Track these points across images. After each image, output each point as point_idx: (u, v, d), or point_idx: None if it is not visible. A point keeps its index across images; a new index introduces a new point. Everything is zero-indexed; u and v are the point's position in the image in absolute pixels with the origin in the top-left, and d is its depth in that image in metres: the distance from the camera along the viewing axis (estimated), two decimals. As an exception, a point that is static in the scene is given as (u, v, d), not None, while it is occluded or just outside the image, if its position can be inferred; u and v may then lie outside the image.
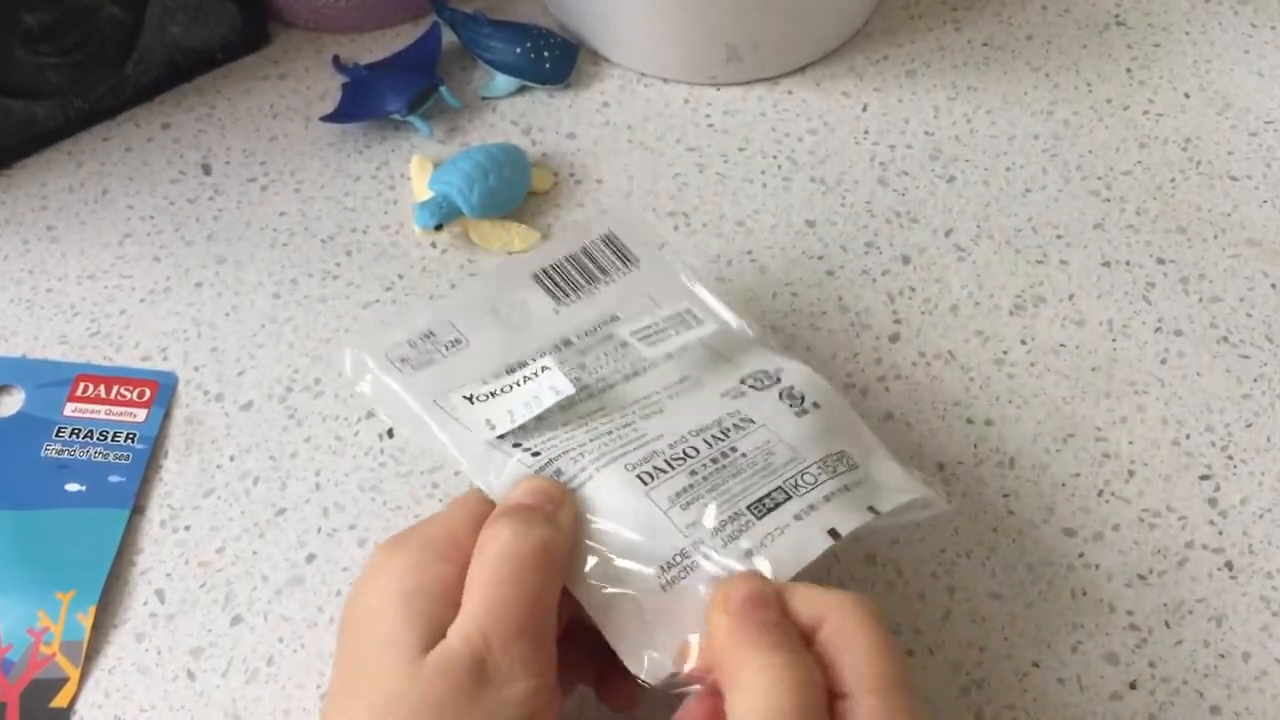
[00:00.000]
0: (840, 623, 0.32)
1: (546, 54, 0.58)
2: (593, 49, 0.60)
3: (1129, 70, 0.59)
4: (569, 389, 0.39)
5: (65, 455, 0.47)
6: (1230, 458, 0.46)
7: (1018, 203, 0.54)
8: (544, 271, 0.44)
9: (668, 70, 0.59)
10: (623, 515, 0.35)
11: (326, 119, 0.57)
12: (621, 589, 0.34)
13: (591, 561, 0.35)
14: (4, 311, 0.52)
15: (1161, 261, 0.52)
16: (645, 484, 0.36)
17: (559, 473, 0.37)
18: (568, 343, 0.42)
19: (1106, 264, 0.52)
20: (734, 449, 0.38)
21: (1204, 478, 0.46)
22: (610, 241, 0.46)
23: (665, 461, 0.37)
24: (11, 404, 0.49)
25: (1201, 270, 0.52)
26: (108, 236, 0.54)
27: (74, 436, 0.47)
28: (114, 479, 0.46)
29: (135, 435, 0.47)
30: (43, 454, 0.47)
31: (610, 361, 0.41)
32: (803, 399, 0.40)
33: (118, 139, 0.58)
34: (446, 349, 0.41)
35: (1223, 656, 0.42)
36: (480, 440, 0.38)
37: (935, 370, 0.49)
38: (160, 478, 0.47)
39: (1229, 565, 0.44)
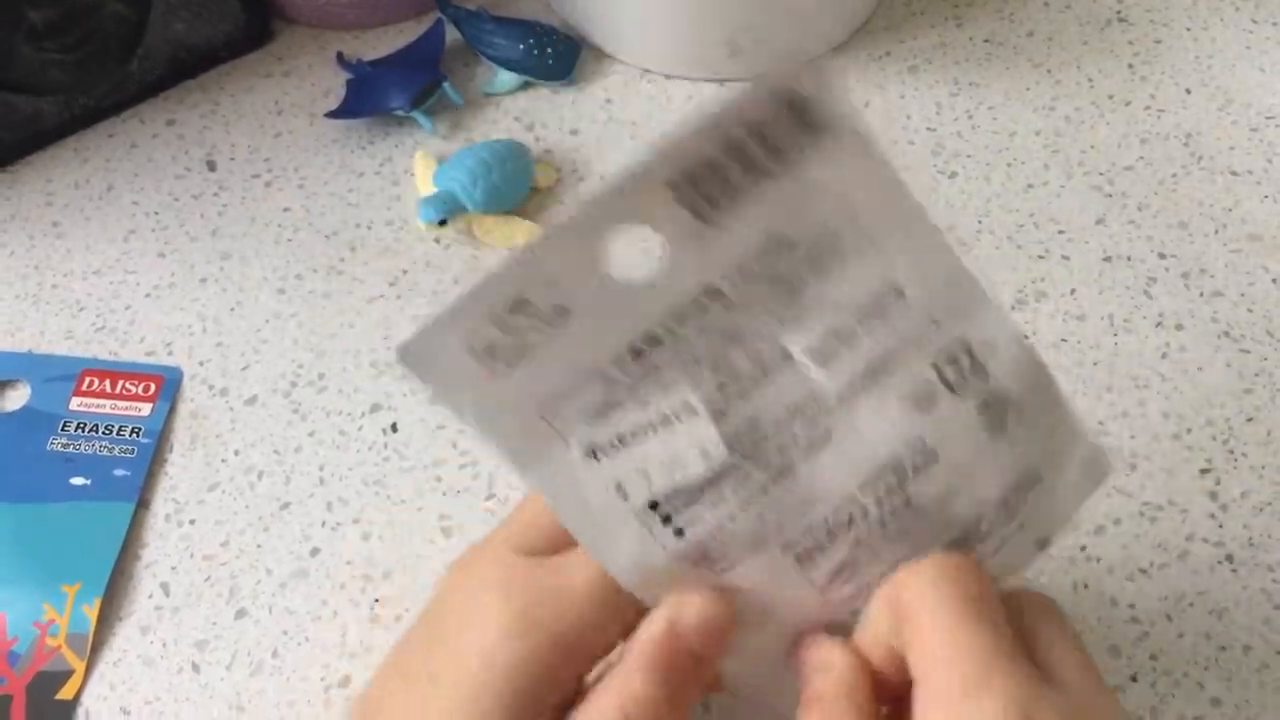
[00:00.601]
0: (904, 606, 0.29)
1: (549, 50, 0.58)
2: (595, 45, 0.60)
3: (1130, 66, 0.59)
4: (721, 454, 0.29)
5: (71, 449, 0.47)
6: (1231, 452, 0.47)
7: (1019, 198, 0.54)
8: (684, 176, 0.27)
9: (670, 66, 0.59)
10: (778, 600, 0.30)
11: (330, 115, 0.57)
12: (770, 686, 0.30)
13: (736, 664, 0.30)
14: (10, 307, 0.52)
15: (1163, 256, 0.52)
16: (801, 565, 0.30)
17: (705, 556, 0.30)
18: (714, 294, 0.28)
19: (1108, 259, 0.52)
20: (908, 504, 0.30)
21: (1205, 471, 0.46)
22: (794, 106, 0.27)
23: (827, 534, 0.30)
24: (17, 398, 0.49)
25: (1203, 265, 0.52)
26: (113, 232, 0.54)
27: (79, 431, 0.48)
28: (119, 473, 0.46)
29: (140, 430, 0.48)
30: (48, 448, 0.47)
31: (764, 334, 0.29)
32: (1004, 406, 0.30)
33: (122, 135, 0.58)
34: (549, 323, 0.28)
35: (1224, 649, 0.42)
36: (606, 511, 0.29)
37: (937, 365, 0.49)
38: (165, 472, 0.47)
39: (1230, 558, 0.44)
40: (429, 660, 0.30)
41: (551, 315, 0.27)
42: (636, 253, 0.28)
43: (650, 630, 0.29)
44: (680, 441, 0.29)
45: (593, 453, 0.29)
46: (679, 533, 0.29)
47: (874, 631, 0.30)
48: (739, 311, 0.29)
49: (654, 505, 0.29)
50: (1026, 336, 0.32)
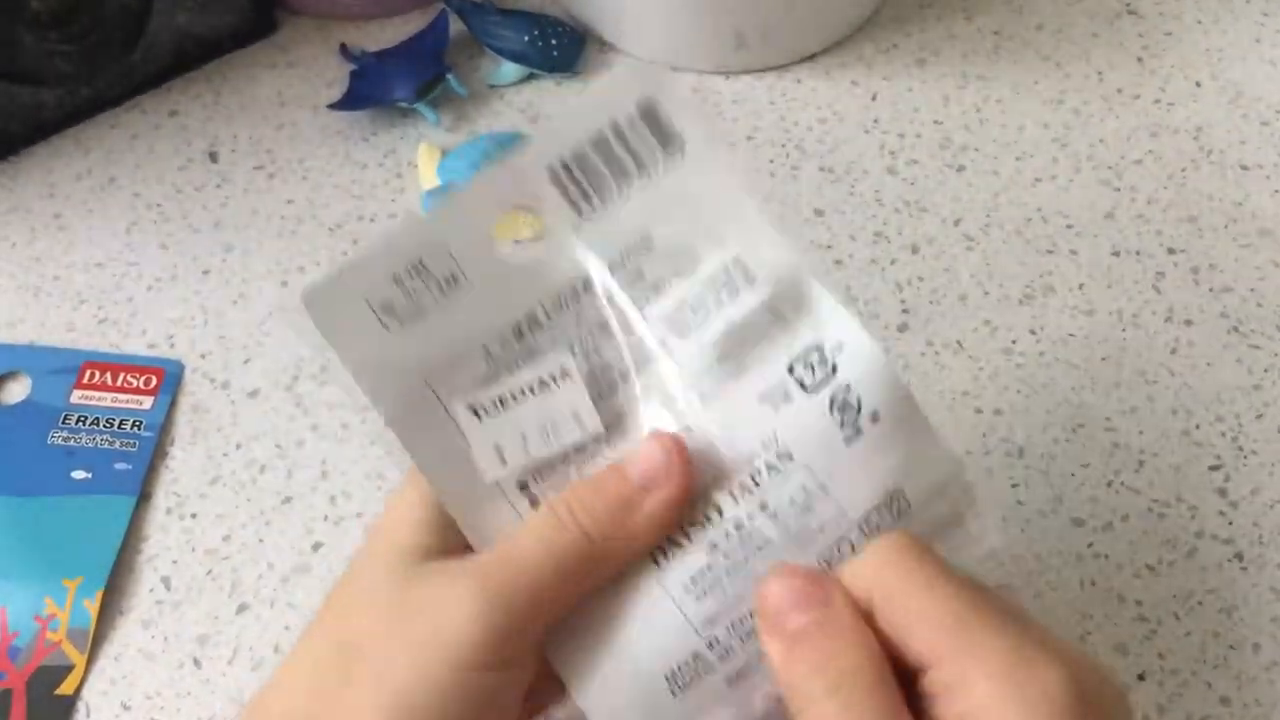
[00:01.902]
0: (888, 592, 0.28)
1: (554, 42, 0.58)
2: (600, 37, 0.60)
3: (1140, 59, 0.59)
4: (596, 426, 0.31)
5: (72, 442, 0.47)
6: (1240, 448, 0.46)
7: (1027, 192, 0.54)
8: (563, 166, 0.31)
9: (676, 58, 0.59)
10: (629, 605, 0.30)
11: (334, 107, 0.56)
12: (625, 697, 0.30)
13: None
14: (11, 299, 0.52)
15: (1172, 251, 0.52)
16: (658, 565, 0.30)
17: None
18: (587, 285, 0.32)
19: (1116, 253, 0.52)
20: (764, 506, 0.31)
21: (1214, 468, 0.46)
22: (649, 115, 0.32)
23: (683, 531, 0.30)
24: (18, 391, 0.49)
25: (1212, 260, 0.51)
26: (115, 224, 0.54)
27: (80, 424, 0.47)
28: (120, 466, 0.46)
29: (142, 423, 0.47)
30: (49, 441, 0.47)
31: (633, 328, 0.32)
32: (859, 408, 0.31)
33: (125, 127, 0.58)
34: (441, 289, 0.31)
35: (1232, 648, 0.42)
36: (483, 479, 0.31)
37: (944, 359, 0.49)
38: (167, 465, 0.47)
39: (1239, 556, 0.44)
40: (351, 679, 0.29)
41: (444, 283, 0.31)
42: (522, 234, 0.33)
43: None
44: (557, 405, 0.31)
45: (474, 411, 0.31)
46: (534, 503, 0.31)
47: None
48: (612, 304, 0.32)
49: (523, 486, 0.31)
50: (885, 350, 0.32)
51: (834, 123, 0.56)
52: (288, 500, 0.46)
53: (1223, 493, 0.45)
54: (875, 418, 0.31)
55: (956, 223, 0.53)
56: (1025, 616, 0.28)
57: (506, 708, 0.29)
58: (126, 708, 0.41)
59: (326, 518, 0.45)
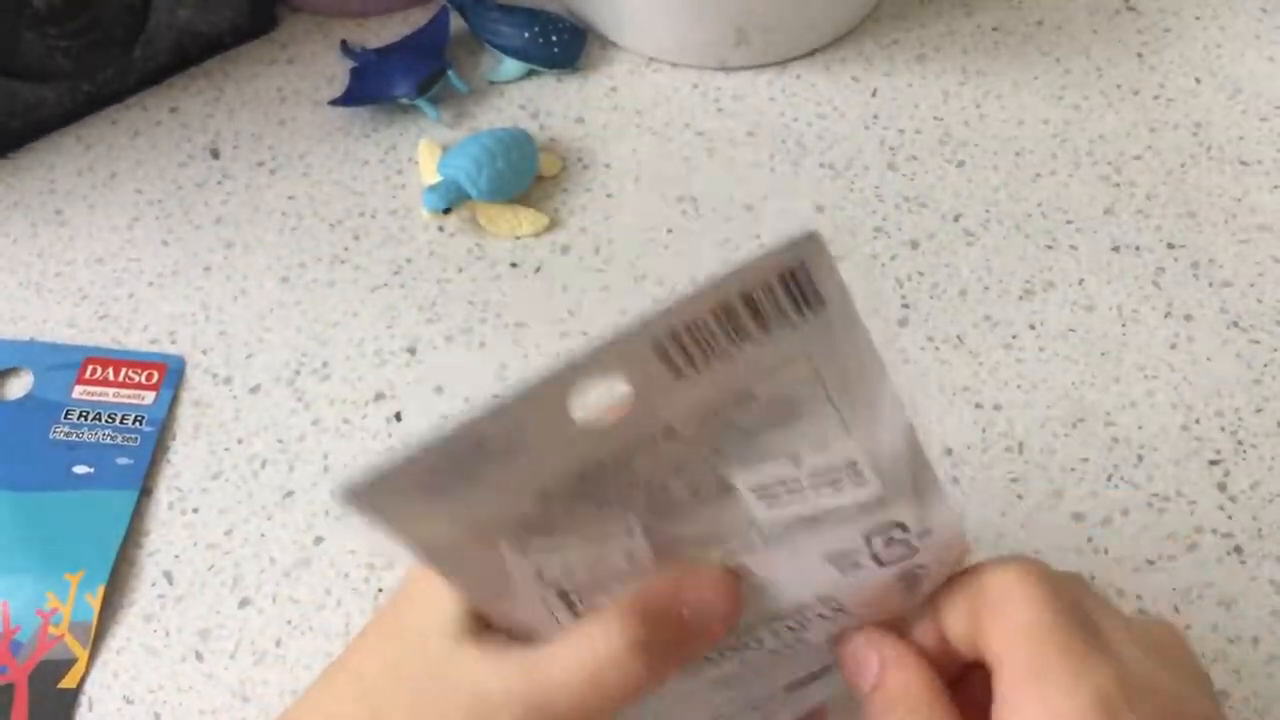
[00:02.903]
0: (987, 593, 0.29)
1: (554, 38, 0.58)
2: (601, 34, 0.60)
3: (1139, 55, 0.59)
4: (649, 564, 0.29)
5: (74, 438, 0.47)
6: (1240, 442, 0.46)
7: (1027, 187, 0.54)
8: (671, 337, 0.26)
9: (676, 55, 0.59)
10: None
11: (334, 103, 0.56)
12: None
13: None
14: (13, 295, 0.52)
15: (1171, 246, 0.52)
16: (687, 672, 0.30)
17: None
18: (669, 434, 0.28)
19: (1116, 249, 0.52)
20: (801, 640, 0.31)
21: (1213, 462, 0.46)
22: (791, 279, 0.27)
23: (719, 652, 0.30)
24: (20, 386, 0.49)
25: (1212, 255, 0.51)
26: (116, 220, 0.54)
27: (82, 419, 0.47)
28: (122, 461, 0.46)
29: (143, 418, 0.47)
30: (51, 436, 0.47)
31: (707, 471, 0.28)
32: (924, 580, 0.30)
33: (125, 123, 0.58)
34: (500, 457, 0.27)
35: (1232, 641, 0.42)
36: (518, 590, 0.29)
37: (944, 354, 0.49)
38: (168, 460, 0.47)
39: (1238, 550, 0.44)
40: None
41: (503, 453, 0.26)
42: (601, 401, 0.27)
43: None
44: (612, 551, 0.28)
45: (522, 551, 0.28)
46: (571, 607, 0.29)
47: (944, 620, 0.30)
48: (689, 447, 0.28)
49: (562, 594, 0.28)
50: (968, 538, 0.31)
51: (834, 118, 0.56)
52: (289, 495, 0.46)
53: (1222, 487, 0.45)
54: (926, 581, 0.30)
55: (956, 218, 0.53)
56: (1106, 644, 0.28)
57: None
58: (129, 701, 0.41)
59: (328, 512, 0.45)
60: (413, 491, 0.26)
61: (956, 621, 0.29)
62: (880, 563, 0.29)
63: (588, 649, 0.27)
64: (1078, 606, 0.28)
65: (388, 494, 0.26)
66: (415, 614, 0.29)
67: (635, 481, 0.28)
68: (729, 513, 0.29)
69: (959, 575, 0.30)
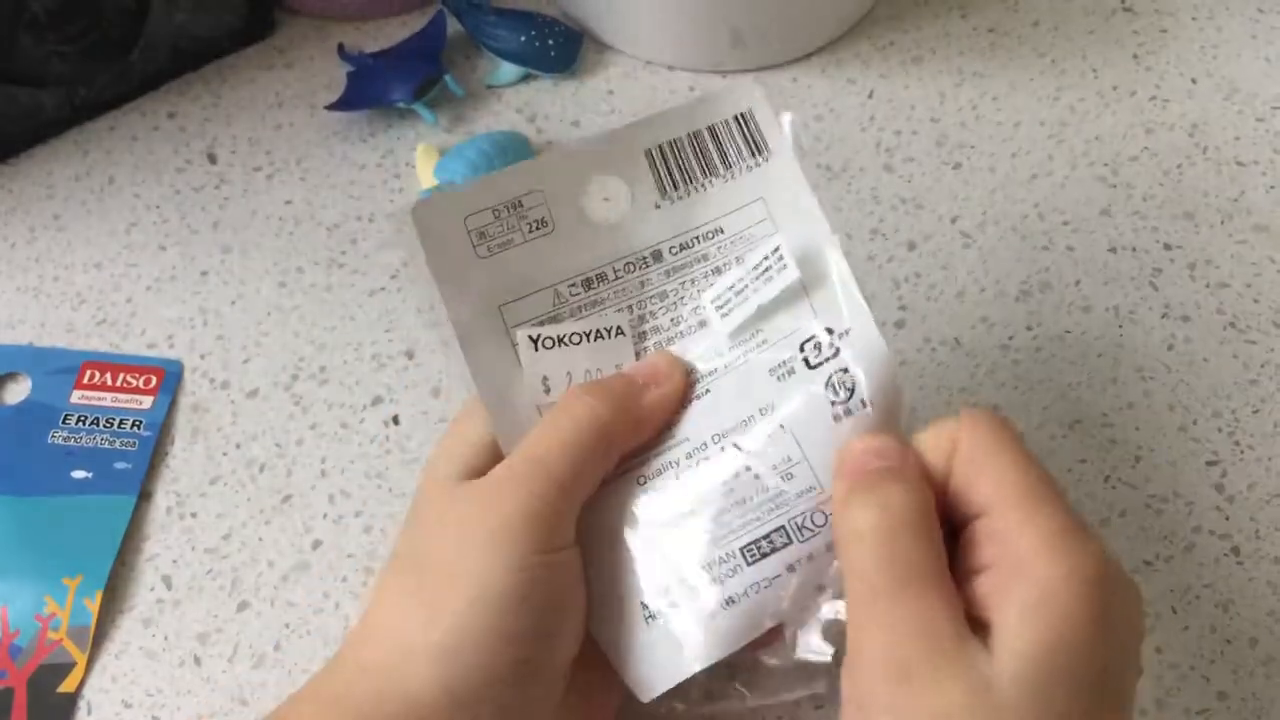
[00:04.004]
0: (969, 446, 0.31)
1: (551, 42, 0.58)
2: (597, 37, 0.60)
3: (1136, 56, 0.59)
4: None
5: (72, 442, 0.47)
6: (1237, 443, 0.46)
7: (1024, 189, 0.54)
8: (659, 150, 0.37)
9: (672, 58, 0.59)
10: (621, 544, 0.34)
11: (332, 107, 0.57)
12: (608, 618, 0.34)
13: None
14: (11, 299, 0.52)
15: (1168, 247, 0.52)
16: (648, 510, 0.34)
17: None
18: (657, 255, 0.37)
19: (1113, 250, 0.52)
20: (748, 468, 0.34)
21: (1211, 463, 0.46)
22: (744, 121, 0.37)
23: (678, 480, 0.35)
24: (19, 391, 0.49)
25: (1208, 256, 0.51)
26: (114, 225, 0.54)
27: (80, 424, 0.47)
28: (120, 466, 0.46)
29: (141, 422, 0.48)
30: (49, 441, 0.47)
31: (686, 301, 0.37)
32: (851, 392, 0.34)
33: (123, 128, 0.58)
34: (531, 229, 0.36)
35: (1229, 642, 0.42)
36: (527, 402, 0.35)
37: (941, 356, 0.49)
38: (166, 464, 0.47)
39: (1235, 551, 0.44)
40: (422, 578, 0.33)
41: (534, 225, 0.36)
42: (610, 199, 0.37)
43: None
44: (605, 356, 0.36)
45: (533, 341, 0.35)
46: None
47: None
48: (673, 277, 0.37)
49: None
50: (891, 351, 0.35)
51: (830, 120, 0.57)
52: (287, 499, 0.46)
53: (1219, 488, 0.45)
54: (864, 404, 0.34)
55: (953, 220, 0.53)
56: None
57: (574, 581, 0.33)
58: (128, 705, 0.42)
59: (326, 516, 0.45)
60: (463, 229, 0.35)
61: (937, 460, 0.32)
62: (809, 364, 0.35)
63: (560, 426, 0.34)
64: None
65: (445, 218, 0.35)
66: (431, 474, 0.35)
67: (627, 298, 0.36)
68: (702, 345, 0.36)
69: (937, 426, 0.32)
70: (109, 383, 0.49)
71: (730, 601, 0.33)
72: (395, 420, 0.48)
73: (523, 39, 0.57)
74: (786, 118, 0.37)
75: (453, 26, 0.59)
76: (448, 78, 0.57)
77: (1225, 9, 0.61)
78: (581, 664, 0.34)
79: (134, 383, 0.49)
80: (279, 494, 0.46)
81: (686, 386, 0.36)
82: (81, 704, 0.42)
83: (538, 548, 0.32)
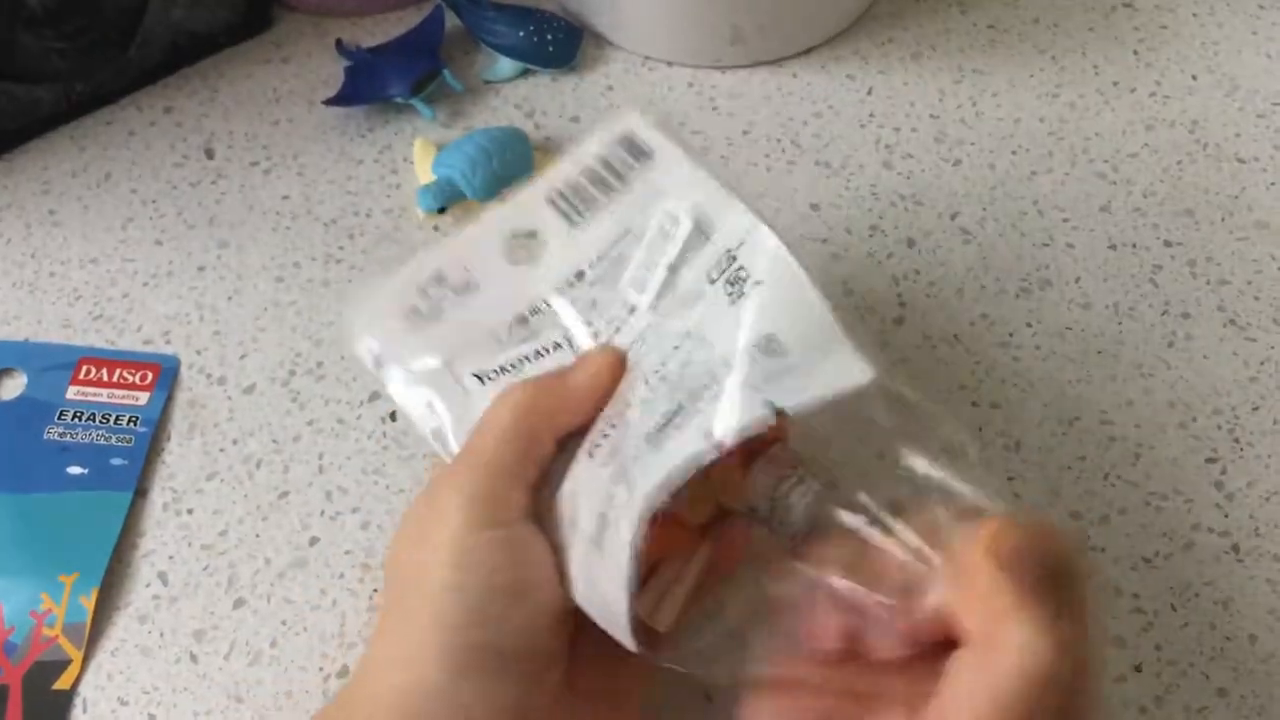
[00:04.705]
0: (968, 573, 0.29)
1: (550, 37, 0.57)
2: (596, 32, 0.60)
3: (1136, 53, 0.59)
4: None
5: (68, 438, 0.47)
6: (1237, 441, 0.46)
7: (1023, 185, 0.54)
8: (559, 195, 0.40)
9: (672, 53, 0.58)
10: (576, 506, 0.35)
11: (329, 103, 0.56)
12: (584, 577, 0.34)
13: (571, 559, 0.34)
14: (6, 295, 0.51)
15: (1168, 244, 0.52)
16: (591, 457, 0.35)
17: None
18: (580, 275, 0.39)
19: (1113, 246, 0.52)
20: (663, 377, 0.35)
21: (1210, 461, 0.46)
22: (627, 140, 0.40)
23: (610, 424, 0.35)
24: (14, 387, 0.49)
25: (1209, 253, 0.51)
26: (110, 220, 0.54)
27: (76, 420, 0.47)
28: (116, 462, 0.46)
29: (138, 418, 0.47)
30: (45, 437, 0.47)
31: (614, 301, 0.39)
32: (745, 279, 0.36)
33: (120, 123, 0.57)
34: (457, 293, 0.39)
35: (1229, 639, 0.42)
36: None
37: (940, 353, 0.49)
38: (163, 461, 0.47)
39: (1235, 548, 0.44)
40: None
41: (461, 288, 0.39)
42: (525, 247, 0.40)
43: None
44: (550, 367, 0.38)
45: (479, 378, 0.38)
46: None
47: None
48: (598, 286, 0.39)
49: None
50: (780, 239, 0.36)
51: (830, 117, 0.56)
52: (284, 495, 0.46)
53: (1219, 485, 0.45)
54: (758, 283, 0.35)
55: (953, 216, 0.53)
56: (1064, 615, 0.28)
57: (524, 562, 0.34)
58: (123, 702, 0.41)
59: (323, 513, 0.45)
60: (397, 315, 0.39)
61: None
62: (711, 281, 0.36)
63: (491, 424, 0.36)
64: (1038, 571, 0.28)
65: (375, 314, 0.39)
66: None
67: (564, 319, 0.39)
68: (637, 324, 0.38)
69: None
70: (105, 378, 0.48)
71: (633, 485, 0.33)
72: (392, 416, 0.48)
73: (521, 34, 0.57)
74: (649, 120, 0.40)
75: (451, 21, 0.59)
76: (446, 73, 0.57)
77: (1226, 5, 0.60)
78: (580, 675, 0.34)
79: (130, 378, 0.48)
80: (276, 490, 0.46)
81: (617, 362, 0.37)
82: (77, 701, 0.41)
83: (473, 526, 0.33)
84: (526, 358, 0.38)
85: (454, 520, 0.33)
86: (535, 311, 0.39)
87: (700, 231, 0.38)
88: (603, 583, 0.33)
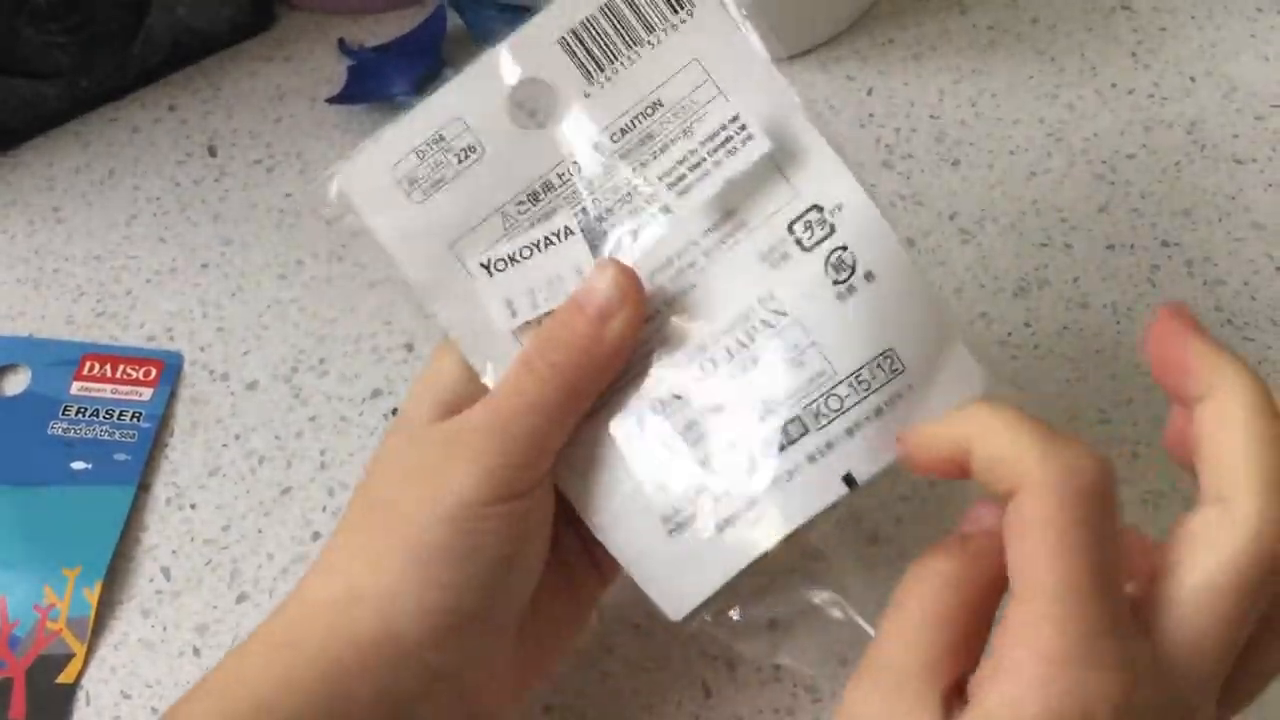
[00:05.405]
0: (1018, 513, 0.28)
1: (552, 37, 0.58)
2: (598, 32, 0.60)
3: (1134, 54, 0.59)
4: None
5: (71, 434, 0.47)
6: (1234, 440, 0.46)
7: (1022, 186, 0.54)
8: (572, 35, 0.34)
9: (673, 53, 0.58)
10: (633, 452, 0.33)
11: (332, 101, 0.57)
12: (628, 536, 0.33)
13: (602, 503, 0.34)
14: (11, 291, 0.52)
15: (1166, 244, 0.52)
16: (658, 415, 0.33)
17: None
18: (599, 148, 0.34)
19: (1111, 247, 0.52)
20: (755, 361, 0.33)
21: (1207, 459, 0.46)
22: None
23: (681, 383, 0.33)
24: (18, 383, 0.49)
25: (1206, 253, 0.52)
26: (114, 217, 0.54)
27: (80, 415, 0.47)
28: (120, 457, 0.46)
29: (141, 414, 0.48)
30: (49, 432, 0.47)
31: (641, 189, 0.34)
32: (853, 268, 0.32)
33: (124, 120, 0.58)
34: (460, 159, 0.34)
35: (1225, 637, 0.42)
36: (499, 329, 0.34)
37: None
38: (166, 456, 0.47)
39: (1232, 546, 0.44)
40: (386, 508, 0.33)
41: (463, 153, 0.33)
42: (534, 103, 0.34)
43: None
44: (562, 261, 0.33)
45: (487, 267, 0.33)
46: None
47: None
48: (621, 167, 0.33)
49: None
50: (879, 211, 0.33)
51: (829, 117, 0.57)
52: (286, 491, 0.46)
53: (1216, 484, 0.45)
54: (870, 277, 0.32)
55: (952, 217, 0.53)
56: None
57: (528, 533, 0.33)
58: (126, 696, 0.42)
59: (325, 508, 0.46)
60: (392, 182, 0.33)
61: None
62: (804, 247, 0.33)
63: (520, 385, 0.32)
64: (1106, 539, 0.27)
65: (372, 177, 0.33)
66: (404, 411, 0.35)
67: (579, 200, 0.34)
68: (672, 233, 0.33)
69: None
70: (109, 374, 0.49)
71: (753, 503, 0.32)
72: (395, 413, 0.48)
73: (523, 34, 0.57)
74: None
75: (453, 20, 0.59)
76: (448, 72, 0.57)
77: (1224, 8, 0.61)
78: (532, 611, 0.35)
79: (134, 374, 0.49)
80: (278, 486, 0.46)
81: (640, 298, 0.33)
82: (80, 694, 0.42)
83: (488, 500, 0.32)
84: (537, 245, 0.34)
85: (465, 489, 0.32)
86: (548, 187, 0.34)
87: (775, 162, 0.33)
88: (670, 562, 0.33)
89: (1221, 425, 0.28)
